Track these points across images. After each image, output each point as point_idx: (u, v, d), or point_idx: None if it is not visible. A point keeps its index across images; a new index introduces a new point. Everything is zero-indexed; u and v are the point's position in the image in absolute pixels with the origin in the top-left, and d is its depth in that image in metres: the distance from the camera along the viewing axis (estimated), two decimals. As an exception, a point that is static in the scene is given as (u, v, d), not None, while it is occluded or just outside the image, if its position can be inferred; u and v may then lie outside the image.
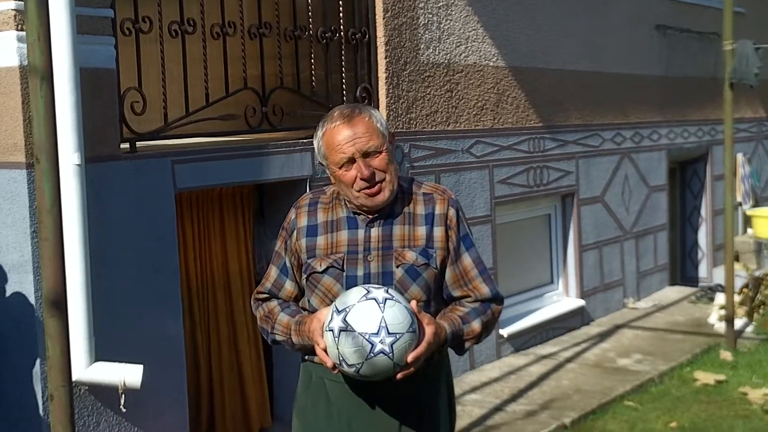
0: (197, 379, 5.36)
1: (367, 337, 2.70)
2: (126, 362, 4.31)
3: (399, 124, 6.36)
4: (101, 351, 4.31)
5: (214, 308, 5.46)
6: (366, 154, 2.92)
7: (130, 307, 4.60)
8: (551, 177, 8.14)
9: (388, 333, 2.71)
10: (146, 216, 4.67)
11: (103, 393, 4.41)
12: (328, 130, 2.96)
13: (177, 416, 4.87)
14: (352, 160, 2.92)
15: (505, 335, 7.51)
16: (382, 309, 2.73)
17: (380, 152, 2.93)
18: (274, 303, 3.12)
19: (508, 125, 7.56)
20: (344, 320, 2.73)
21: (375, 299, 2.75)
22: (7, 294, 4.24)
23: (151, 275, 4.70)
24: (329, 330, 2.77)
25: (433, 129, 6.74)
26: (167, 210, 4.80)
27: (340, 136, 2.92)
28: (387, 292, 2.79)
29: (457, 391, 6.47)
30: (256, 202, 5.79)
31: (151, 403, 4.65)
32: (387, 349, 2.71)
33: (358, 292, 2.80)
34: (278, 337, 3.07)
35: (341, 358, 2.75)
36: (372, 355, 2.71)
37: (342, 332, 2.72)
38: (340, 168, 2.94)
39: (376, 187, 2.93)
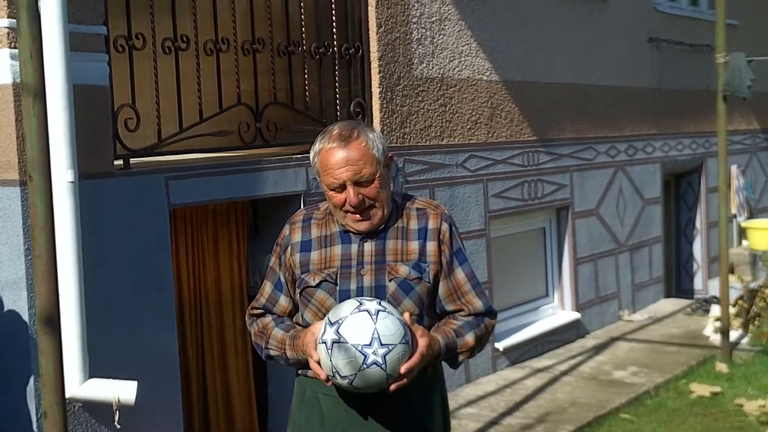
0: (189, 395, 5.35)
1: (359, 348, 2.71)
2: (120, 378, 4.30)
3: (393, 139, 6.37)
4: (95, 367, 4.30)
5: (207, 324, 5.46)
6: (357, 183, 2.92)
7: (125, 324, 4.60)
8: (546, 190, 8.16)
9: (381, 344, 2.71)
10: (140, 232, 4.67)
11: (98, 409, 4.40)
12: (323, 149, 2.96)
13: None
14: (343, 186, 2.93)
15: (501, 348, 7.51)
16: (375, 320, 2.73)
17: (372, 181, 2.94)
18: (268, 318, 3.13)
19: (502, 139, 7.58)
20: (337, 332, 2.73)
21: (367, 311, 2.76)
22: (1, 311, 4.24)
23: (145, 291, 4.70)
24: (322, 342, 2.77)
25: (427, 143, 6.75)
26: (161, 226, 4.80)
27: (333, 159, 2.92)
28: (380, 304, 2.80)
29: (453, 404, 6.48)
30: (251, 217, 5.79)
31: (145, 419, 4.64)
32: (380, 360, 2.71)
33: (350, 304, 2.81)
34: (272, 352, 3.07)
35: (334, 370, 2.75)
36: (365, 366, 2.71)
37: (335, 344, 2.73)
38: (331, 190, 2.96)
39: (364, 214, 2.95)
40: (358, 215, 2.94)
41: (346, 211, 2.95)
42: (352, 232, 3.01)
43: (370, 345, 2.71)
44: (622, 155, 9.32)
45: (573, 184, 8.54)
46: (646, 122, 9.75)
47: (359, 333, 2.72)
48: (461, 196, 7.12)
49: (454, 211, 6.94)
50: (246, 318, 3.24)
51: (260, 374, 5.86)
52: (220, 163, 5.19)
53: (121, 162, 4.69)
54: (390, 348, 2.72)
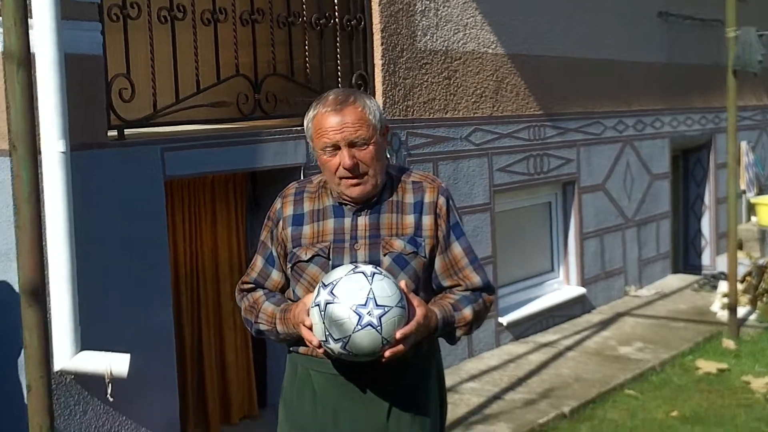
0: (184, 368, 5.30)
1: (354, 308, 2.63)
2: (116, 351, 4.25)
3: (396, 112, 6.29)
4: (90, 341, 4.25)
5: (204, 297, 5.41)
6: (352, 144, 2.85)
7: (119, 296, 4.55)
8: (552, 165, 8.08)
9: (376, 305, 2.64)
10: (135, 204, 4.62)
11: (91, 382, 4.36)
12: (319, 113, 2.89)
13: (166, 405, 4.83)
14: (336, 147, 2.86)
15: (505, 323, 7.45)
16: (371, 281, 2.67)
17: (367, 144, 2.87)
18: (259, 293, 3.07)
19: (507, 113, 7.49)
20: (331, 293, 2.67)
21: (363, 273, 2.69)
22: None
23: (140, 264, 4.65)
24: (315, 305, 2.70)
25: (430, 116, 6.67)
26: (156, 198, 4.74)
27: (329, 121, 2.86)
28: (376, 268, 2.74)
29: (456, 379, 6.45)
30: (249, 189, 5.73)
31: (140, 392, 4.60)
32: (375, 321, 2.64)
33: (345, 267, 2.75)
34: (263, 327, 3.01)
35: (327, 333, 2.67)
36: (359, 327, 2.63)
37: (328, 305, 2.66)
38: (324, 154, 2.88)
39: (358, 179, 2.87)
40: (351, 180, 2.87)
41: (341, 177, 2.87)
42: (346, 205, 2.94)
43: (365, 305, 2.64)
44: (630, 130, 9.23)
45: (580, 159, 8.45)
46: (655, 97, 9.65)
47: (354, 293, 2.65)
48: (466, 170, 7.04)
49: (458, 185, 6.88)
50: (236, 293, 3.18)
51: (259, 348, 5.82)
52: (218, 135, 5.12)
53: (115, 133, 4.62)
54: (386, 310, 2.65)
